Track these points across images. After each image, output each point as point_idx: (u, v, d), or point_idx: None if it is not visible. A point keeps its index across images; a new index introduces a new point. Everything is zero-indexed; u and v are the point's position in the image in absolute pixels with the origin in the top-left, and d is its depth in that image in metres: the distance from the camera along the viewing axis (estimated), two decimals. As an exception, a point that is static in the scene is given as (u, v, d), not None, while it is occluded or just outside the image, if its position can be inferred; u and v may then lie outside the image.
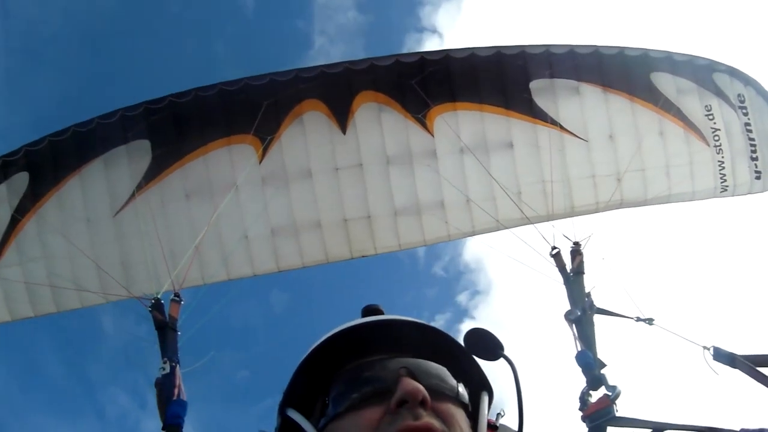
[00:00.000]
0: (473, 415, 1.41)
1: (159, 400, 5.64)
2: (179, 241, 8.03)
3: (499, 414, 1.48)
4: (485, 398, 1.45)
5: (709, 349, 6.19)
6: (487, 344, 1.55)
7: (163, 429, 5.30)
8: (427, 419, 1.23)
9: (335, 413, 1.33)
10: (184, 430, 5.41)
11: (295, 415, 1.40)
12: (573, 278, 7.18)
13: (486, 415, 1.41)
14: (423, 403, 1.25)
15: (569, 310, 6.86)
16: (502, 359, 1.55)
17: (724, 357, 6.01)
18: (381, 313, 1.67)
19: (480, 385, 1.47)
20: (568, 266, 7.37)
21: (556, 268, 7.43)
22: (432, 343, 1.45)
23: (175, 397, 5.55)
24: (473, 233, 8.44)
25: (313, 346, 1.45)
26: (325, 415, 1.36)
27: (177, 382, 5.76)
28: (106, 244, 8.12)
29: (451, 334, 1.51)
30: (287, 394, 1.44)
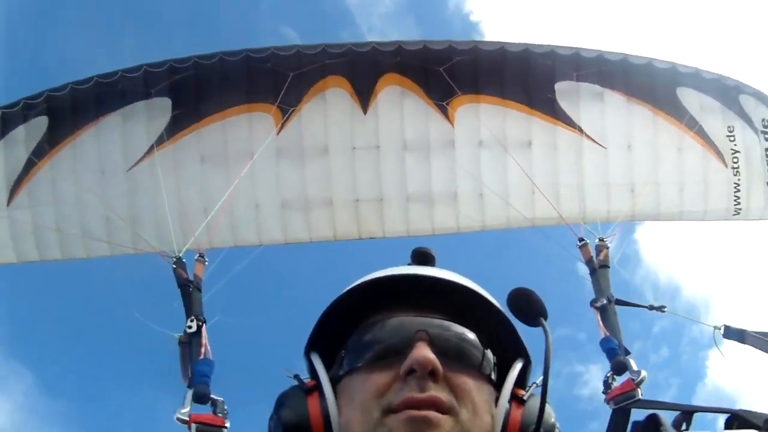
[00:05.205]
0: (501, 384, 1.32)
1: (182, 359, 5.42)
2: (190, 204, 8.07)
3: (534, 384, 1.37)
4: (517, 366, 1.35)
5: (719, 329, 6.57)
6: (529, 307, 1.40)
7: (189, 387, 5.02)
8: (433, 392, 1.16)
9: (349, 368, 1.29)
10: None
11: (315, 359, 1.36)
12: (599, 270, 7.26)
13: (512, 385, 1.32)
14: (433, 374, 1.18)
15: (595, 299, 6.97)
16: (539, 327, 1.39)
17: (734, 333, 6.36)
18: (430, 258, 1.57)
19: (515, 352, 1.37)
20: (594, 259, 7.46)
21: (582, 260, 7.54)
22: (466, 303, 1.35)
23: (201, 357, 5.33)
24: (483, 228, 8.45)
25: (342, 291, 1.38)
26: (342, 367, 1.32)
27: (203, 341, 5.50)
28: (119, 197, 8.14)
29: (492, 294, 1.41)
30: (312, 337, 1.39)
